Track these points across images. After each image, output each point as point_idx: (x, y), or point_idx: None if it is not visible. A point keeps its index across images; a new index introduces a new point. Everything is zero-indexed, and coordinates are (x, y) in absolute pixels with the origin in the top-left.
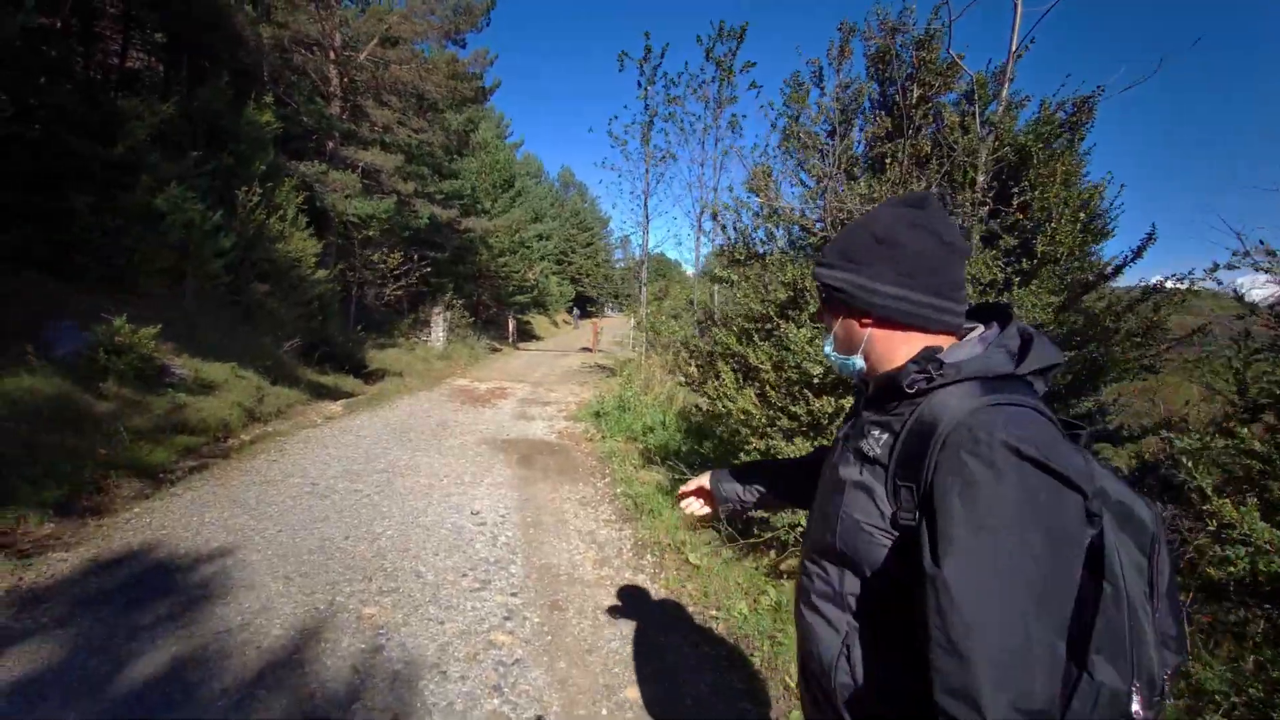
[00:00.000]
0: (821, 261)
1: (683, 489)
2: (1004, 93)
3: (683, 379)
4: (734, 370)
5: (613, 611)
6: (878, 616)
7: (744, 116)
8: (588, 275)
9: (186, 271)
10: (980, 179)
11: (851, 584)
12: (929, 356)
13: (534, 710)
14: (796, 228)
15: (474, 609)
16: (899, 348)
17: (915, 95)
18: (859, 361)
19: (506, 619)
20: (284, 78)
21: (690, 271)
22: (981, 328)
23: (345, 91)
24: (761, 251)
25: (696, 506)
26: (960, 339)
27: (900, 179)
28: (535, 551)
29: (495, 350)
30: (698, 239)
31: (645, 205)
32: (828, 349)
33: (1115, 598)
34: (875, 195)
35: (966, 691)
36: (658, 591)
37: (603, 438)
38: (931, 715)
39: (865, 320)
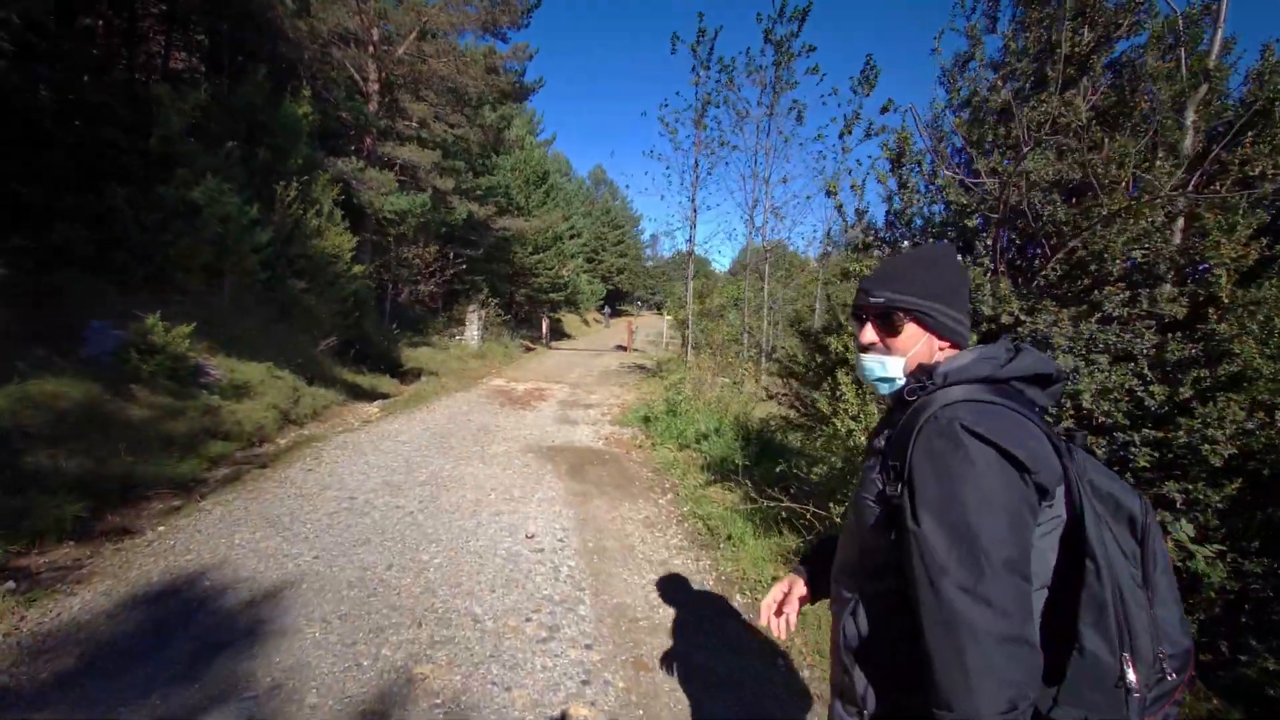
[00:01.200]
0: (909, 289)
1: (767, 602)
2: (1218, 36)
3: (764, 393)
4: (855, 384)
5: (710, 673)
6: (870, 583)
7: (805, 105)
8: (619, 273)
9: (224, 268)
10: (1188, 142)
11: (861, 556)
12: (922, 370)
13: None
14: (939, 209)
15: (544, 669)
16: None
17: (1087, 40)
18: (903, 380)
19: (585, 683)
20: (322, 73)
21: (721, 270)
22: (982, 346)
23: (383, 87)
24: (887, 239)
25: (780, 623)
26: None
27: (1091, 144)
28: (604, 587)
29: (529, 349)
30: (750, 233)
31: (694, 197)
32: (893, 371)
33: (1097, 572)
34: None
35: (949, 622)
36: (759, 647)
37: (653, 445)
38: (913, 665)
39: (943, 343)
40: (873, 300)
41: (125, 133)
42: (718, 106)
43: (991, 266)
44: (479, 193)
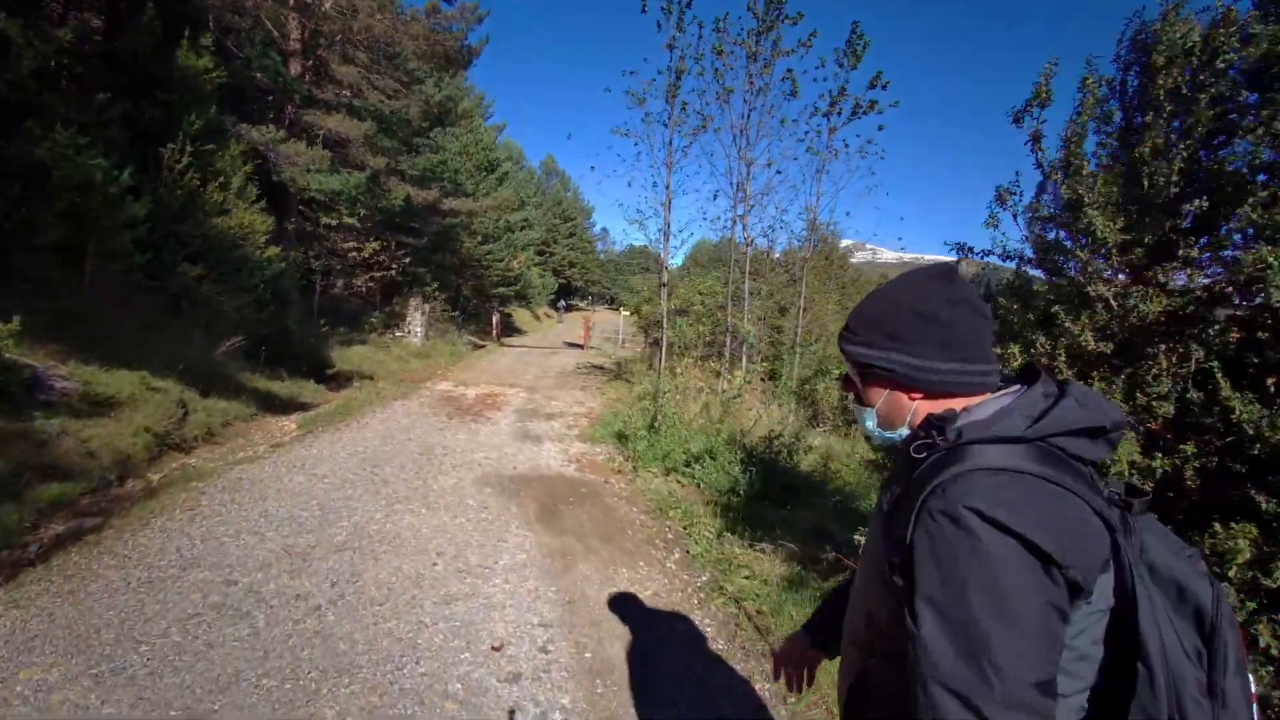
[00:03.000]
0: (857, 339)
1: (778, 664)
2: None
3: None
4: None
5: None
6: (875, 659)
7: (797, 78)
8: (571, 266)
9: (84, 248)
10: None
11: (873, 630)
12: (929, 425)
13: None
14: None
15: None
16: (924, 414)
17: None
18: (904, 432)
19: None
20: (234, 24)
21: (674, 265)
22: (1019, 387)
23: (306, 45)
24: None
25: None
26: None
27: None
28: None
29: (478, 347)
30: (734, 222)
31: (667, 181)
32: (869, 424)
33: (1152, 683)
34: None
35: None
36: None
37: (634, 468)
38: None
39: (914, 394)
40: (843, 348)
41: None
42: (698, 76)
43: None
44: (415, 173)
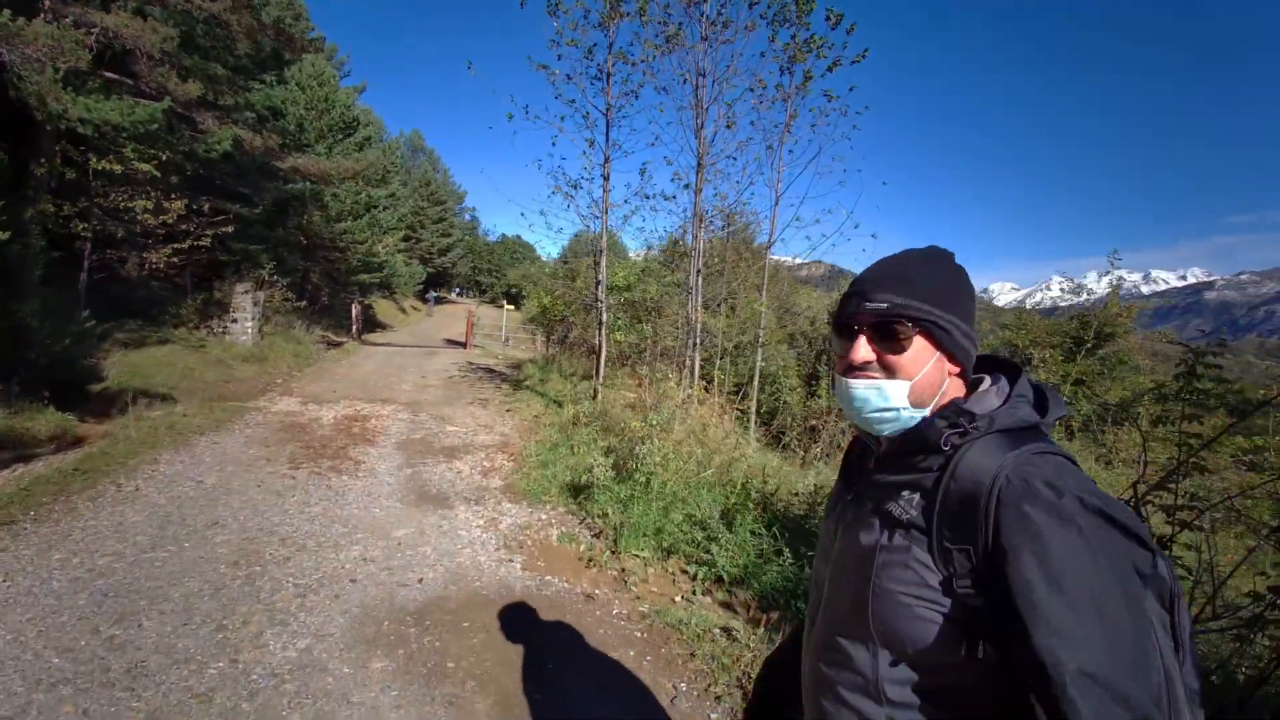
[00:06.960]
0: (917, 291)
1: None
2: None
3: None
4: None
5: None
6: (932, 699)
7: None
8: (442, 253)
9: None
10: None
11: (888, 670)
12: (958, 410)
13: None
14: None
15: None
16: (951, 396)
17: None
18: (919, 414)
19: None
20: None
21: (550, 257)
22: (988, 379)
23: None
24: None
25: None
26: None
27: None
28: None
29: (334, 345)
30: (698, 193)
31: (606, 134)
32: (891, 399)
33: (1160, 655)
34: None
35: None
36: None
37: (614, 551)
38: None
39: (954, 368)
40: (869, 306)
41: None
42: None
43: None
44: (252, 116)
